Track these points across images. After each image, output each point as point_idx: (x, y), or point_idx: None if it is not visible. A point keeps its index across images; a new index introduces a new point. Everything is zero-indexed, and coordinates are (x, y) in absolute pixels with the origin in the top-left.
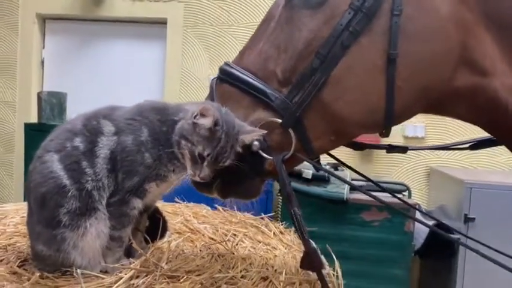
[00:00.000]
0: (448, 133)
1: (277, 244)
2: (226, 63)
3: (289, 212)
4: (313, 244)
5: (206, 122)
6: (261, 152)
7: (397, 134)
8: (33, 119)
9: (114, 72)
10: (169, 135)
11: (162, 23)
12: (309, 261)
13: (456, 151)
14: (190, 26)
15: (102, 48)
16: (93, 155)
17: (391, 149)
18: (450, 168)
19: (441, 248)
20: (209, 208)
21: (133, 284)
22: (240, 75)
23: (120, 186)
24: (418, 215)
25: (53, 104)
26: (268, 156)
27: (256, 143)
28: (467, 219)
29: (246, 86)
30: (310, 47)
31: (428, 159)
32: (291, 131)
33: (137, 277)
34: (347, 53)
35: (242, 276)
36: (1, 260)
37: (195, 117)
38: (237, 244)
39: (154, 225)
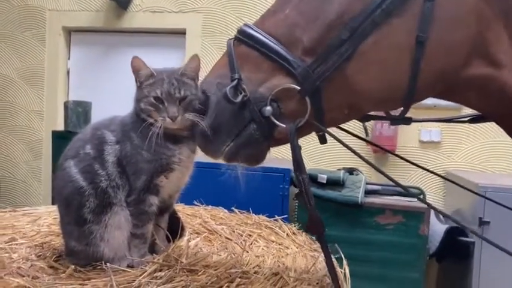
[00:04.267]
0: (463, 136)
1: (289, 244)
2: (246, 25)
3: (298, 178)
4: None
5: (142, 72)
6: (272, 118)
7: (413, 139)
8: (60, 126)
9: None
10: (141, 126)
11: (181, 33)
12: (313, 226)
13: (472, 155)
14: (209, 35)
15: (124, 58)
16: (103, 159)
17: (395, 120)
18: (466, 172)
19: (456, 251)
20: (226, 211)
21: (156, 277)
22: (263, 38)
23: (133, 187)
24: (432, 217)
25: (78, 112)
26: (280, 124)
27: (268, 108)
28: (482, 223)
29: (268, 50)
30: (341, 19)
31: (444, 163)
32: (307, 99)
33: (160, 270)
34: (376, 29)
35: (255, 272)
36: (38, 256)
37: (137, 81)
38: (251, 243)
39: (175, 226)
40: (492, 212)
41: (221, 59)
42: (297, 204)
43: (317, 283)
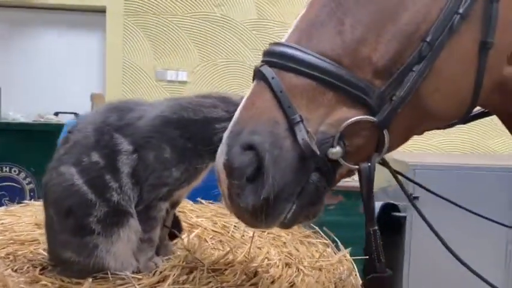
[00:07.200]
0: None
1: (279, 232)
2: (285, 45)
3: (368, 231)
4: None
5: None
6: (342, 160)
7: None
8: None
9: (50, 64)
10: (198, 149)
11: (101, 11)
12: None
13: None
14: (132, 14)
15: (36, 39)
16: (116, 169)
17: None
18: (396, 151)
19: (390, 226)
20: (192, 202)
21: (180, 281)
22: (321, 63)
23: (145, 197)
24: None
25: None
26: (352, 166)
27: (337, 149)
28: (413, 198)
29: (333, 78)
30: (419, 31)
31: None
32: (385, 132)
33: (185, 274)
34: (450, 39)
35: (267, 264)
36: (15, 270)
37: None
38: (243, 236)
39: (173, 223)
40: (421, 188)
41: (260, 95)
42: None
43: (334, 269)
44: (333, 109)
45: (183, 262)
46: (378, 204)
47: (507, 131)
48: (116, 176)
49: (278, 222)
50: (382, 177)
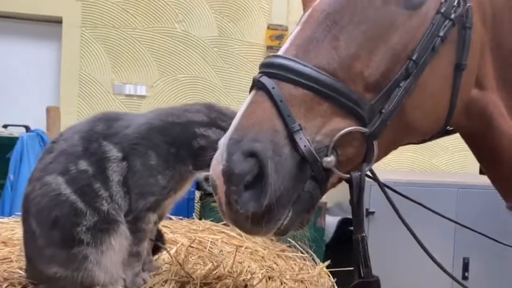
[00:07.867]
0: None
1: (254, 246)
2: (283, 57)
3: (355, 237)
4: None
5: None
6: (335, 169)
7: None
8: None
9: (1, 74)
10: (180, 154)
11: (57, 21)
12: None
13: None
14: (90, 26)
15: None
16: (105, 178)
17: None
18: None
19: (347, 239)
20: None
21: None
22: (318, 75)
23: (133, 207)
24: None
25: None
26: (344, 175)
27: (331, 158)
28: (369, 213)
29: (328, 89)
30: (406, 50)
31: None
32: (375, 143)
33: None
34: (431, 59)
35: (251, 278)
36: None
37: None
38: (221, 251)
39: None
40: (376, 203)
41: (260, 104)
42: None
43: (315, 281)
44: (328, 119)
45: (175, 276)
46: (335, 220)
47: (449, 150)
48: (106, 184)
49: (276, 228)
50: (339, 193)
